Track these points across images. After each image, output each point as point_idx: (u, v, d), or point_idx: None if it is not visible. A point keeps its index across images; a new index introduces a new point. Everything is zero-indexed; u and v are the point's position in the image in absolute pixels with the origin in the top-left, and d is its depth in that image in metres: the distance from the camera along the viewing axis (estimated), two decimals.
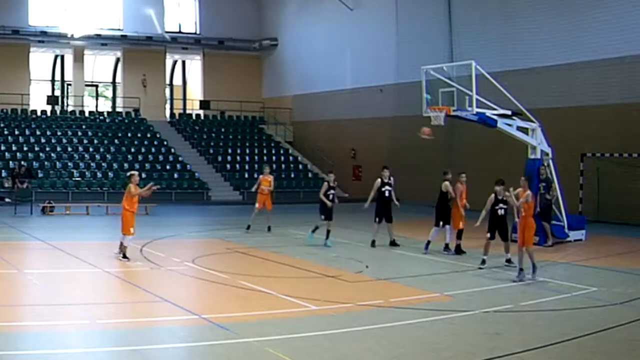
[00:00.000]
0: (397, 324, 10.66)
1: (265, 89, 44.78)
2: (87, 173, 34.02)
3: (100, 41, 40.89)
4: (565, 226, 20.36)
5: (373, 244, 18.78)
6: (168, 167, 36.39)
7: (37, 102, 40.11)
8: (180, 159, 37.30)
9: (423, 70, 20.66)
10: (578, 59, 26.49)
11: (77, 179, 33.40)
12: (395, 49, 34.67)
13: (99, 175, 34.09)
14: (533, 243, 14.88)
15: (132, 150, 37.11)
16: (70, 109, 40.97)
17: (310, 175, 38.46)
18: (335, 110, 38.90)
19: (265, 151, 40.13)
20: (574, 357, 9.33)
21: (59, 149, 35.62)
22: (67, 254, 16.83)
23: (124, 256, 15.77)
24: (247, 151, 39.66)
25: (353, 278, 14.51)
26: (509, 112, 20.02)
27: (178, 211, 29.72)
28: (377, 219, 18.87)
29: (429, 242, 17.79)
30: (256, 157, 38.95)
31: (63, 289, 13.11)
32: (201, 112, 43.75)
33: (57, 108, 40.36)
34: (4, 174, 32.37)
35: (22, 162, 32.78)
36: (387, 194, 18.83)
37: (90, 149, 36.20)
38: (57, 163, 34.24)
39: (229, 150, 39.46)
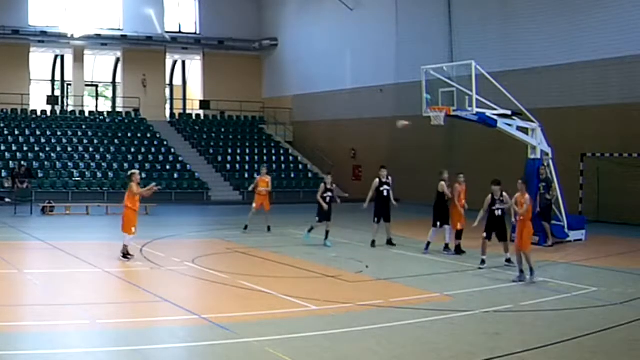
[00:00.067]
0: (397, 324, 10.65)
1: (265, 89, 44.78)
2: (87, 173, 34.02)
3: (100, 41, 40.90)
4: (565, 226, 20.35)
5: (373, 244, 18.78)
6: (168, 167, 36.39)
7: (37, 102, 40.13)
8: (180, 159, 37.30)
9: (423, 70, 20.66)
10: (578, 59, 26.50)
11: (77, 179, 33.39)
12: (395, 49, 34.67)
13: (99, 175, 34.08)
14: (533, 243, 14.85)
15: (132, 150, 37.11)
16: (70, 109, 40.98)
17: (310, 175, 38.45)
18: (335, 110, 38.90)
19: (265, 151, 40.14)
20: (574, 357, 9.32)
21: (59, 149, 35.62)
22: (67, 254, 16.83)
23: (124, 255, 15.72)
24: (247, 151, 39.66)
25: (353, 278, 14.51)
26: (509, 112, 20.02)
27: (178, 211, 29.72)
28: (376, 219, 18.88)
29: (429, 243, 17.80)
30: (256, 157, 38.94)
31: (63, 289, 13.11)
32: (201, 112, 43.75)
33: (57, 108, 40.37)
34: (4, 174, 32.36)
35: (22, 162, 32.77)
36: (385, 193, 18.84)
37: (90, 149, 36.20)
38: (57, 163, 34.24)
39: (229, 150, 39.46)
